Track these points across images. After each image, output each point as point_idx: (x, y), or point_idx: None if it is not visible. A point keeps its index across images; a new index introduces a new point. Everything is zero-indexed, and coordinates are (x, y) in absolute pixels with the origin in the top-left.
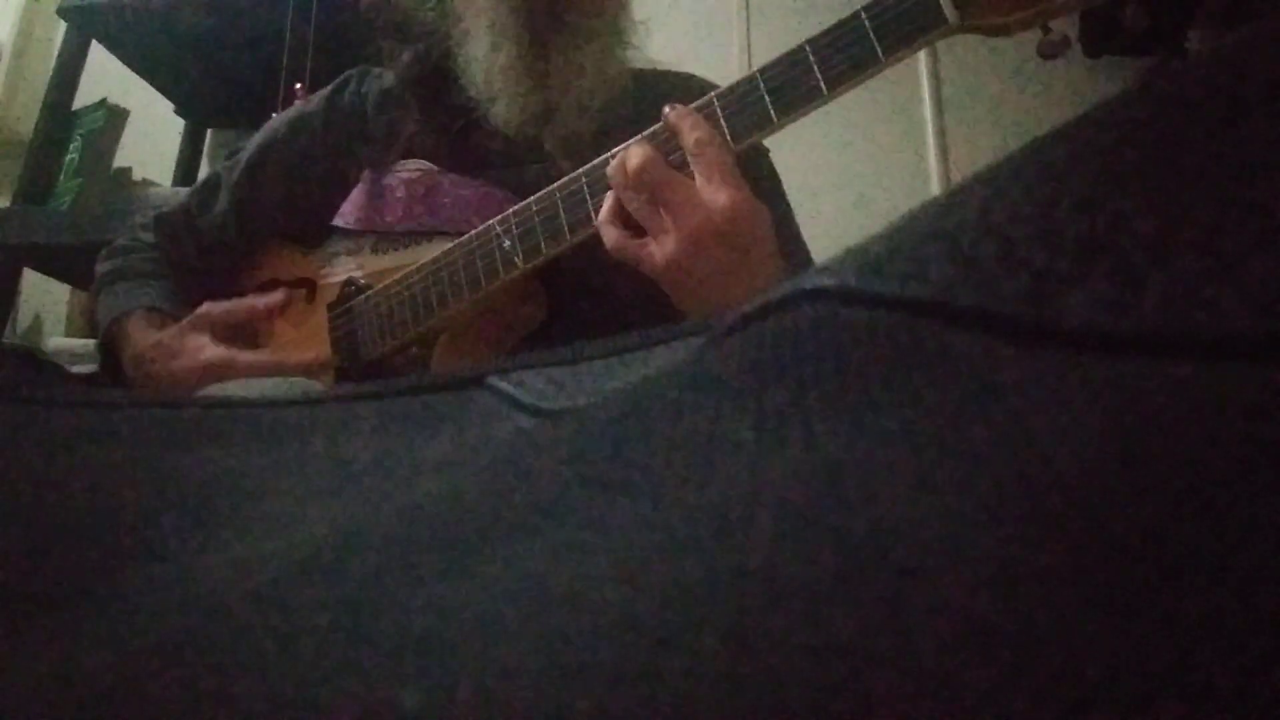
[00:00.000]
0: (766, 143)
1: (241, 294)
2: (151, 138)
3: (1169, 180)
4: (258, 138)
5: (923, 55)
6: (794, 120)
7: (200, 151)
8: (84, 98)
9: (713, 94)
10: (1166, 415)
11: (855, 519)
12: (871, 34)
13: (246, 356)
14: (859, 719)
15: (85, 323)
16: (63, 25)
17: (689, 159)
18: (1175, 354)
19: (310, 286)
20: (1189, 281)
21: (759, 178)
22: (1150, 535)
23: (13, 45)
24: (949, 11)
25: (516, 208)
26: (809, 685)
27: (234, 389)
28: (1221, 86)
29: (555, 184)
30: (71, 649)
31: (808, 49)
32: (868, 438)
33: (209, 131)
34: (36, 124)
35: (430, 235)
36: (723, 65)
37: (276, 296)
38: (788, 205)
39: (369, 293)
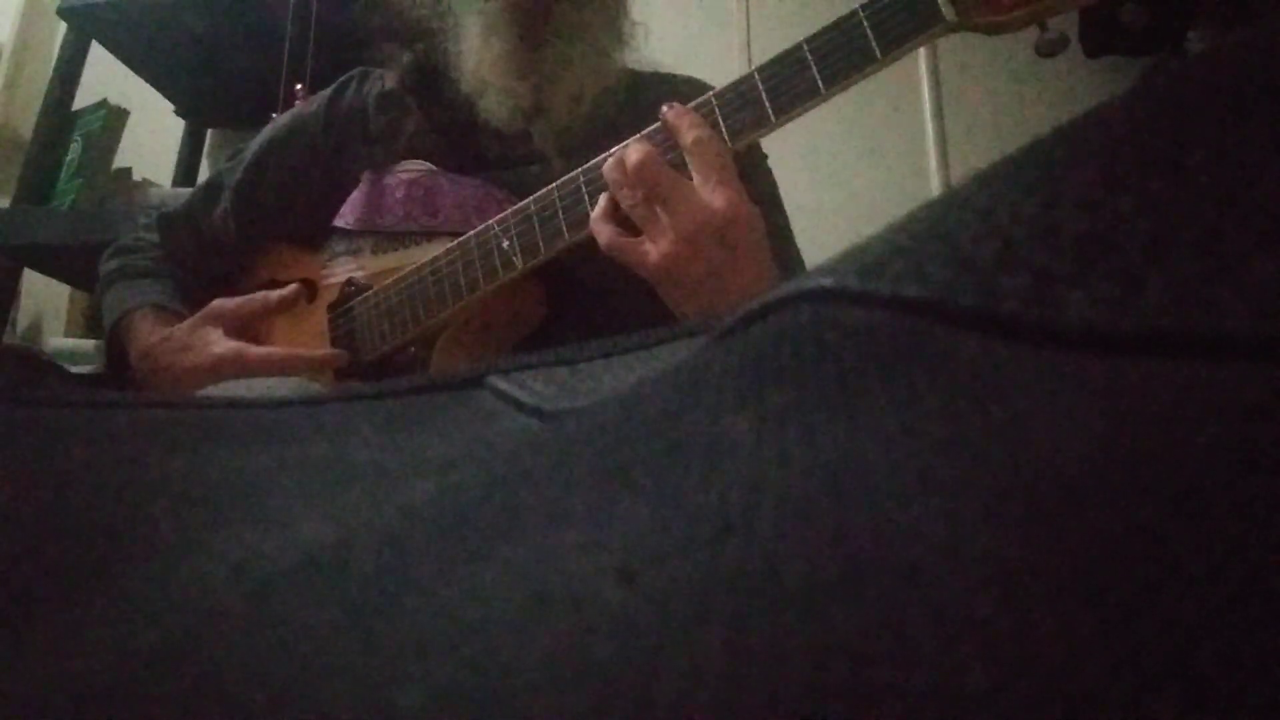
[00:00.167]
0: (767, 143)
1: (244, 294)
2: (151, 138)
3: (1169, 180)
4: (259, 139)
5: (922, 55)
6: (792, 119)
7: (200, 151)
8: (84, 98)
9: (710, 93)
10: (1166, 415)
11: (855, 519)
12: (869, 32)
13: (258, 351)
14: (859, 719)
15: (85, 323)
16: (63, 25)
17: (687, 159)
18: (1175, 354)
19: (311, 287)
20: (1189, 281)
21: (755, 180)
22: (1150, 535)
23: (13, 45)
24: (946, 10)
25: (515, 208)
26: (809, 685)
27: (234, 389)
28: (1221, 86)
29: (554, 184)
30: (71, 649)
31: (805, 48)
32: (868, 438)
33: (209, 131)
34: (36, 124)
35: (430, 236)
36: (723, 64)
37: (288, 290)
38: (783, 208)
39: (369, 293)
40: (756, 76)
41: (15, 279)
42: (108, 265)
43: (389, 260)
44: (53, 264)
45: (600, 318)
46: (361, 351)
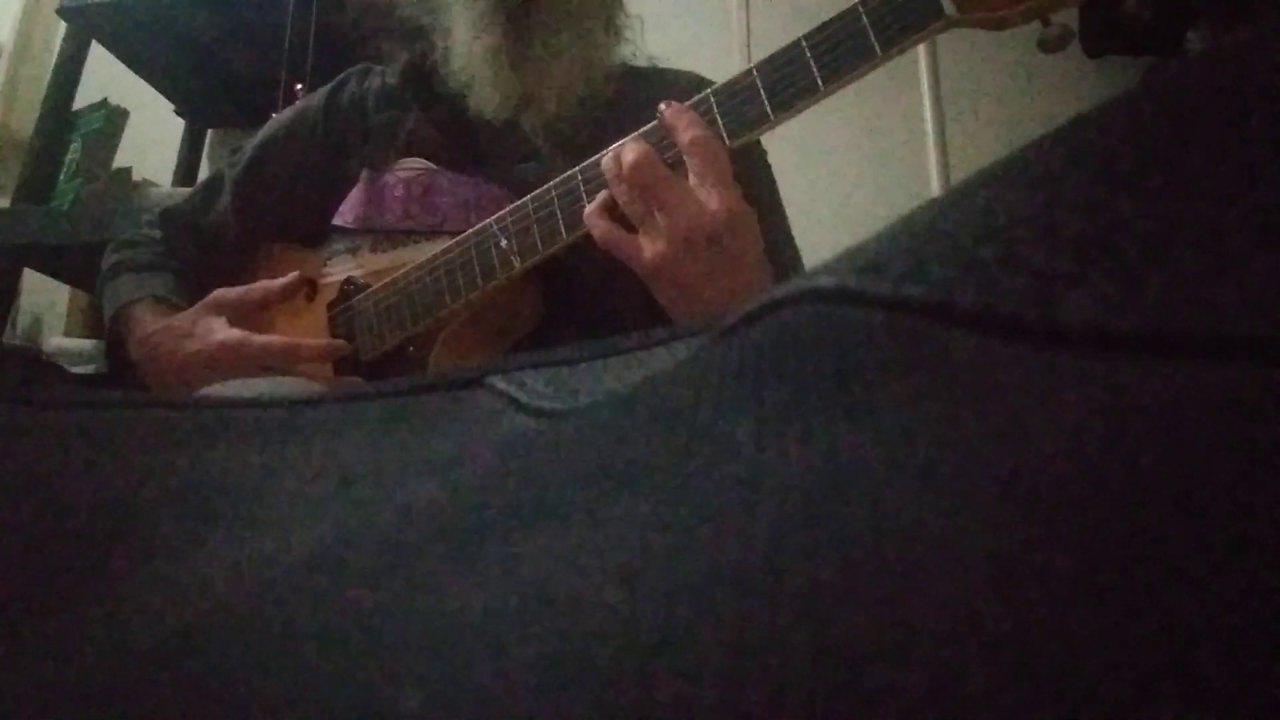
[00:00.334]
0: (767, 141)
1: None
2: (151, 138)
3: (1169, 180)
4: (259, 136)
5: (923, 54)
6: (791, 116)
7: (200, 151)
8: (84, 98)
9: (708, 91)
10: (1166, 415)
11: (855, 519)
12: (869, 28)
13: (260, 339)
14: (859, 719)
15: (85, 322)
16: (63, 25)
17: (684, 158)
18: (1175, 354)
19: (310, 285)
20: (1189, 281)
21: (754, 178)
22: (1150, 535)
23: (13, 45)
24: (947, 5)
25: (513, 206)
26: (809, 685)
27: (234, 389)
28: (1221, 86)
29: (552, 182)
30: (71, 649)
31: (804, 44)
32: (868, 437)
33: (209, 131)
34: (36, 124)
35: (429, 234)
36: (723, 63)
37: (290, 278)
38: (782, 208)
39: (368, 292)
40: (755, 73)
41: (15, 279)
42: (109, 259)
43: (388, 259)
44: (53, 264)
45: (598, 317)
46: (360, 350)
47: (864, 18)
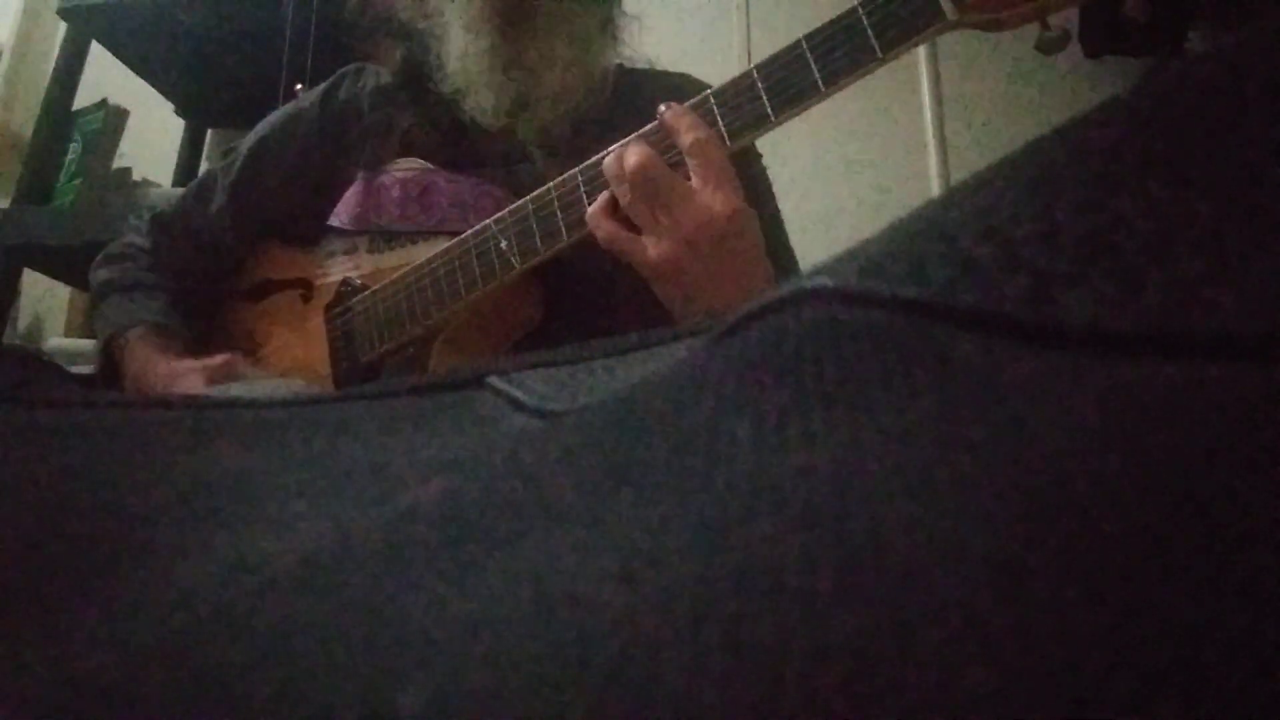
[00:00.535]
0: (767, 141)
1: (241, 292)
2: (151, 138)
3: (1169, 180)
4: (252, 136)
5: (923, 55)
6: (792, 117)
7: (200, 151)
8: (84, 98)
9: (709, 92)
10: (1166, 415)
11: (855, 519)
12: (869, 30)
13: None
14: (859, 719)
15: (85, 322)
16: (63, 25)
17: (686, 159)
18: (1175, 354)
19: (306, 287)
20: (1189, 281)
21: (750, 180)
22: (1150, 535)
23: (13, 45)
24: (946, 7)
25: (513, 207)
26: (809, 685)
27: (235, 389)
28: (1221, 86)
29: (551, 183)
30: (71, 649)
31: (804, 45)
32: (868, 438)
33: (209, 131)
34: (36, 124)
35: (427, 235)
36: (723, 64)
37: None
38: (777, 208)
39: (366, 293)
40: (755, 74)
41: (15, 279)
42: (98, 275)
43: (385, 260)
44: (53, 264)
45: (598, 317)
46: (359, 352)
47: (864, 19)
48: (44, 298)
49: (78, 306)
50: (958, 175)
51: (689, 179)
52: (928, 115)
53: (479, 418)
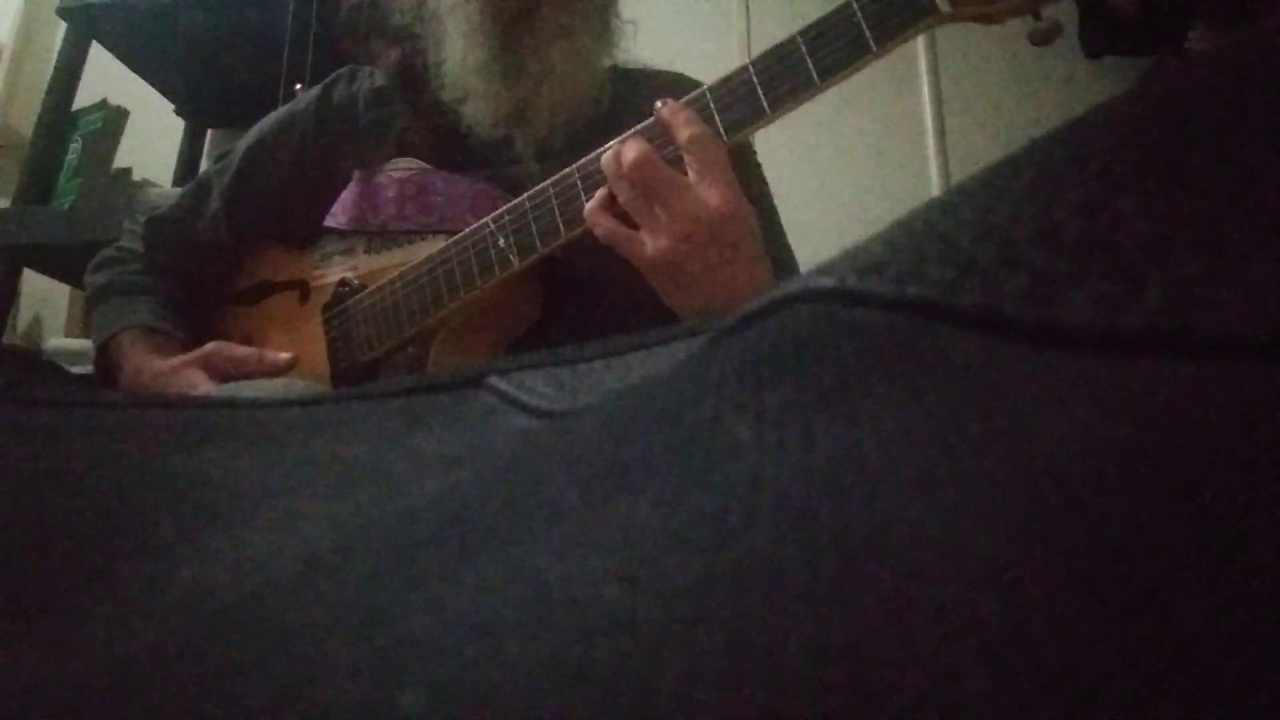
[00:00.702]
0: (766, 142)
1: (238, 293)
2: (151, 138)
3: (1169, 180)
4: (247, 137)
5: (922, 54)
6: (787, 112)
7: (200, 151)
8: (84, 98)
9: (705, 87)
10: (1166, 415)
11: (855, 519)
12: (863, 23)
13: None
14: (859, 719)
15: (85, 322)
16: (63, 25)
17: (683, 156)
18: (1175, 354)
19: (304, 288)
20: (1189, 281)
21: (746, 175)
22: (1150, 535)
23: (13, 45)
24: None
25: (510, 205)
26: (809, 685)
27: (235, 390)
28: (1221, 86)
29: (548, 180)
30: (71, 649)
31: (799, 40)
32: (868, 438)
33: (209, 131)
34: (36, 124)
35: (424, 234)
36: (723, 64)
37: (286, 357)
38: (773, 205)
39: (363, 293)
40: (750, 69)
41: (15, 279)
42: (94, 279)
43: (383, 260)
44: (53, 264)
45: (597, 315)
46: (357, 353)
47: (858, 13)
48: (44, 298)
49: (78, 306)
50: (958, 175)
51: (686, 175)
52: (927, 115)
53: (479, 418)
